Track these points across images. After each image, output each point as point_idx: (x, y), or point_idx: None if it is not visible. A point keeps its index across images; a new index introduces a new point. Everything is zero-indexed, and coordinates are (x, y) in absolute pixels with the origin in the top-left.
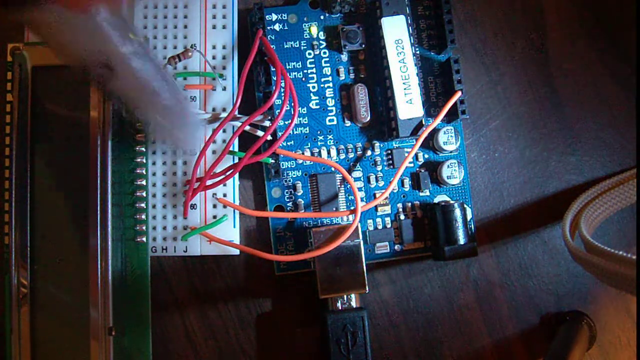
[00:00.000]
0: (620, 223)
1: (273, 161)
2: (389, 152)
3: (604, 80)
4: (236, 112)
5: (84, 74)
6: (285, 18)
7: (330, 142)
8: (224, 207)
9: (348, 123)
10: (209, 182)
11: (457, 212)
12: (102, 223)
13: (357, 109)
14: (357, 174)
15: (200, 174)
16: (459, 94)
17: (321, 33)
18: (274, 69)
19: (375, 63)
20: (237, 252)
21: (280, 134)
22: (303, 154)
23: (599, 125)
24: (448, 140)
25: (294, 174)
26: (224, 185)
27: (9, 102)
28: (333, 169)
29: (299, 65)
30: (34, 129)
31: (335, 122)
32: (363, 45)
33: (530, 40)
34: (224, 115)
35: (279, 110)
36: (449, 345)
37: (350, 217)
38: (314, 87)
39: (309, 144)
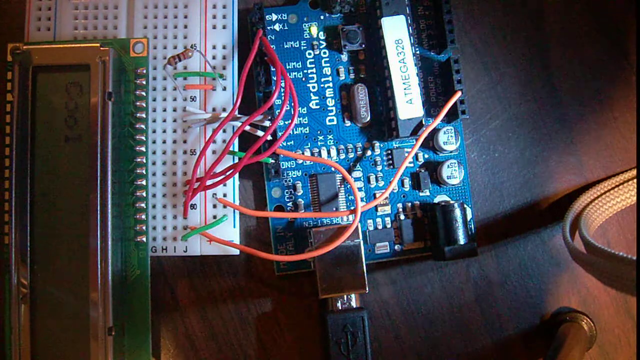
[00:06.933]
0: (620, 223)
1: (273, 161)
2: (389, 152)
3: (603, 80)
4: (236, 112)
5: None
6: (285, 18)
7: (330, 142)
8: (224, 207)
9: (348, 123)
10: (209, 182)
11: (457, 212)
12: (102, 223)
13: (357, 109)
14: (357, 174)
15: (200, 174)
16: (459, 94)
17: (321, 33)
18: (274, 69)
19: (375, 63)
20: (237, 252)
21: (280, 134)
22: (303, 154)
23: (599, 125)
24: (448, 140)
25: (294, 174)
26: (224, 185)
27: (9, 102)
28: (333, 169)
29: (299, 65)
30: (34, 129)
31: (335, 122)
32: (363, 45)
33: (530, 40)
34: (224, 115)
35: (279, 110)
36: (449, 345)
37: (350, 217)
38: (314, 87)
39: (309, 144)
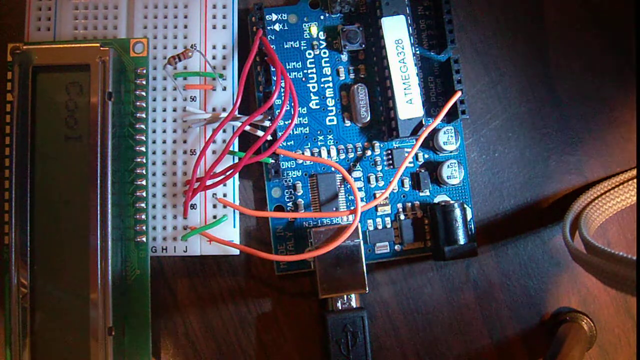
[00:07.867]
0: (620, 223)
1: (273, 161)
2: (389, 152)
3: (604, 80)
4: (236, 112)
5: None
6: (285, 18)
7: (330, 142)
8: (224, 207)
9: (348, 123)
10: (209, 182)
11: (457, 212)
12: (102, 223)
13: (357, 109)
14: (357, 174)
15: (200, 174)
16: (459, 94)
17: (321, 33)
18: (274, 69)
19: (375, 63)
20: (237, 252)
21: (280, 134)
22: (303, 154)
23: (599, 125)
24: (448, 140)
25: (294, 174)
26: (224, 185)
27: (9, 102)
28: (333, 169)
29: (299, 65)
30: (34, 129)
31: (335, 122)
32: (363, 45)
33: (530, 40)
34: (224, 115)
35: (279, 110)
36: (449, 345)
37: (350, 217)
38: (314, 87)
39: (309, 144)
